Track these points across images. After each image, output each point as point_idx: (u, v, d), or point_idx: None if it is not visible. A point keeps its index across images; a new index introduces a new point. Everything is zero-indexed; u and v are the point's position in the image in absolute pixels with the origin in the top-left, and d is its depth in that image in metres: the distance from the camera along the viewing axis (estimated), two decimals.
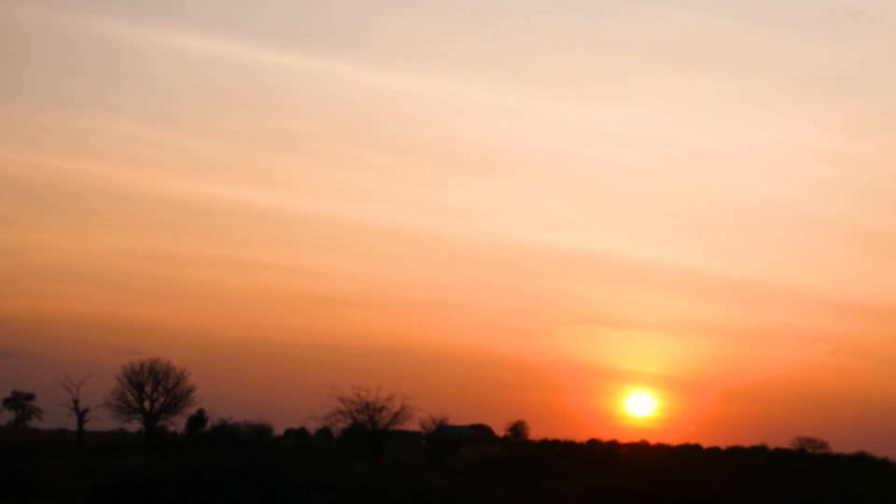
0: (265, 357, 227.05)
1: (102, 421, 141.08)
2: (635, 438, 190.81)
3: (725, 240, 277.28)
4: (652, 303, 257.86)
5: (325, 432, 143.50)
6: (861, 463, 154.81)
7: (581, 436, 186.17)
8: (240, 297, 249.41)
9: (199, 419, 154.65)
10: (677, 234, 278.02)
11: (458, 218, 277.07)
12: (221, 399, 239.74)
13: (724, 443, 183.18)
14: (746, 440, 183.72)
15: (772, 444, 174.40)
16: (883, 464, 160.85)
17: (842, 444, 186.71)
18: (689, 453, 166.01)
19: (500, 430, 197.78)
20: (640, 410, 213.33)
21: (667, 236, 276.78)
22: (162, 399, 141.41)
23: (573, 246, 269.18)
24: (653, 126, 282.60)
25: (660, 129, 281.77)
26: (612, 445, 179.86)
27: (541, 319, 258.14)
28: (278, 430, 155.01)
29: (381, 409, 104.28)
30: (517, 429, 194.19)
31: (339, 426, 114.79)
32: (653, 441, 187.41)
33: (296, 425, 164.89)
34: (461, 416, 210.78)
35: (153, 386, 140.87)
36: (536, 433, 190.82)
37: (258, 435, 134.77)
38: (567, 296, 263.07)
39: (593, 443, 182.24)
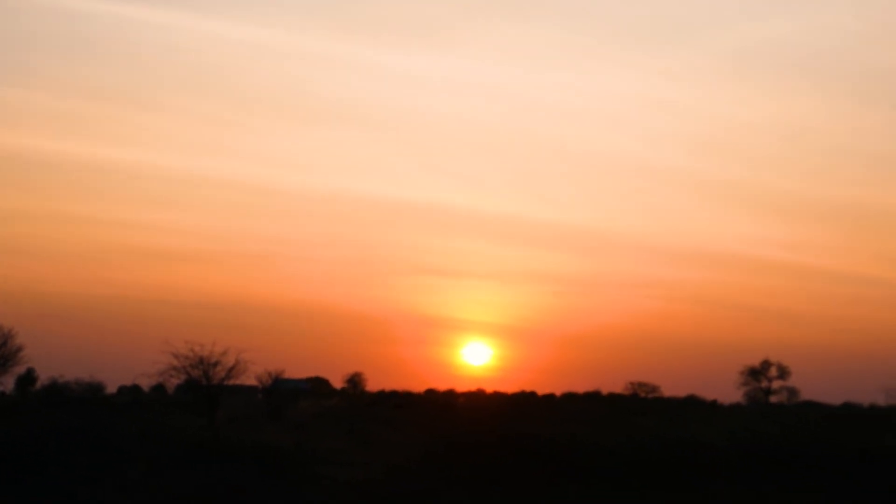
0: (97, 313, 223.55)
1: None
2: (472, 387, 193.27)
3: (558, 188, 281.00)
4: (487, 252, 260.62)
5: (159, 389, 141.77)
6: (691, 406, 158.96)
7: (418, 386, 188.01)
8: (70, 253, 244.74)
9: (28, 378, 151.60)
10: (511, 184, 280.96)
11: (292, 169, 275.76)
12: (52, 357, 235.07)
13: (559, 389, 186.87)
14: (581, 386, 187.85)
15: (606, 389, 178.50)
16: (712, 406, 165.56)
17: (673, 388, 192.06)
18: (525, 401, 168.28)
19: (337, 383, 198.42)
20: (477, 360, 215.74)
21: (501, 185, 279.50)
22: None
23: (407, 196, 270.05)
24: (485, 75, 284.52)
25: (492, 77, 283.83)
26: (449, 395, 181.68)
27: (376, 270, 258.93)
28: (111, 388, 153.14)
29: (215, 364, 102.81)
30: (354, 380, 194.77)
31: (174, 382, 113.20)
32: (489, 390, 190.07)
33: (129, 382, 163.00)
34: (298, 370, 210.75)
35: None
36: (374, 384, 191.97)
37: (90, 393, 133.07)
38: (402, 246, 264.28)
39: (430, 393, 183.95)
